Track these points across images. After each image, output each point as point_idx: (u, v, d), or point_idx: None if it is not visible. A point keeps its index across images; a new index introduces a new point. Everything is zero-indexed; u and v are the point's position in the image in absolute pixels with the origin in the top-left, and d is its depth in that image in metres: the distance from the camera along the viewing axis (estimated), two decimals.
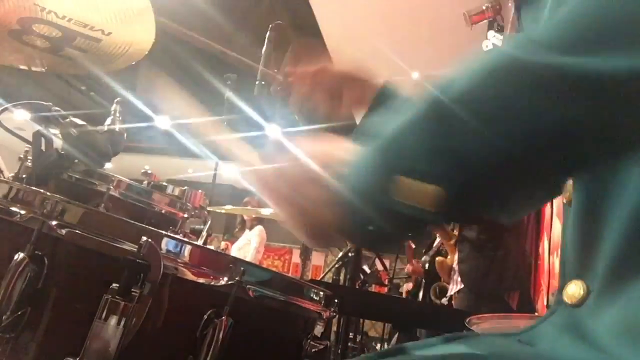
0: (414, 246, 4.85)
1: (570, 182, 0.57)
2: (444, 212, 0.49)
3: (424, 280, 4.15)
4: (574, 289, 0.52)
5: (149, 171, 1.29)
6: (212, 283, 0.80)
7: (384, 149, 0.52)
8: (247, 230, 5.62)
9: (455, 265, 3.06)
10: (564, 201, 0.59)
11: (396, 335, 4.68)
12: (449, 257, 3.22)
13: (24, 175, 1.11)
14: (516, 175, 0.49)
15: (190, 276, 0.78)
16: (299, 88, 0.97)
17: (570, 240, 0.56)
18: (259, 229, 5.52)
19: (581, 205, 0.55)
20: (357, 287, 3.21)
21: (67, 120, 1.14)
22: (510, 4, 4.53)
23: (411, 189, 0.49)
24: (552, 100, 0.45)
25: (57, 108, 1.15)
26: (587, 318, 0.50)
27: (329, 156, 0.58)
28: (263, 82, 1.96)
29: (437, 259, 3.32)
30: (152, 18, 1.38)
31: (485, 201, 0.52)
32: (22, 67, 1.47)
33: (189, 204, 1.27)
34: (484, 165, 0.48)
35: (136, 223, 0.80)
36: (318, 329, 0.99)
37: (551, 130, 0.46)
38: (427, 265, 4.21)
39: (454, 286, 3.08)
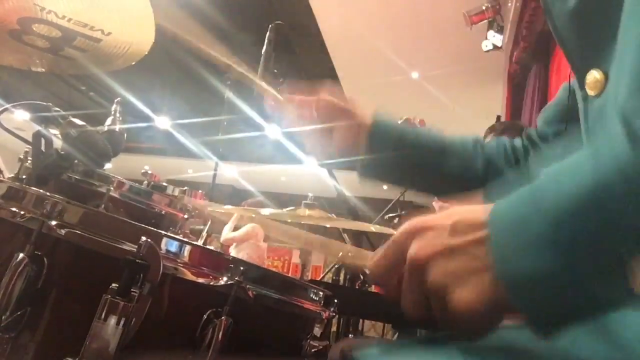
0: None
1: None
2: None
3: None
4: None
5: (149, 171, 1.29)
6: (212, 283, 0.80)
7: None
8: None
9: None
10: None
11: (396, 336, 4.67)
12: None
13: (23, 176, 1.11)
14: None
15: (189, 276, 0.78)
16: (290, 111, 0.98)
17: None
18: (250, 225, 5.54)
19: None
20: (357, 287, 3.21)
21: (67, 120, 1.14)
22: (510, 4, 4.53)
23: None
24: None
25: (56, 108, 1.15)
26: (608, 315, 0.48)
27: None
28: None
29: None
30: (151, 18, 1.38)
31: None
32: (21, 67, 1.47)
33: (188, 205, 1.27)
34: None
35: (136, 223, 0.80)
36: (318, 329, 0.99)
37: None
38: None
39: None
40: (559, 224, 0.42)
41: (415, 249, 0.50)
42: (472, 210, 0.49)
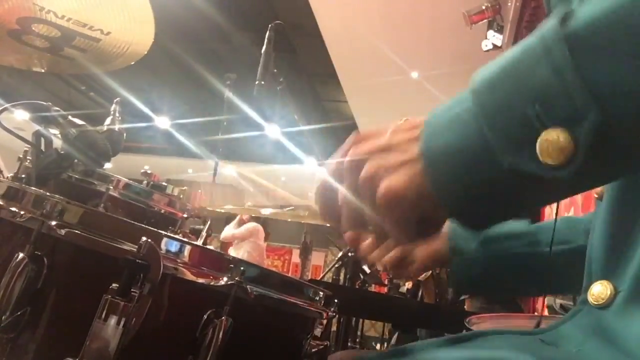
0: None
1: None
2: (573, 169, 0.39)
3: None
4: (600, 290, 0.50)
5: (149, 171, 1.29)
6: (212, 283, 0.79)
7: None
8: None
9: None
10: (595, 195, 0.55)
11: (396, 335, 4.68)
12: None
13: (23, 175, 1.11)
14: None
15: (190, 276, 0.78)
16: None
17: (599, 238, 0.53)
18: (252, 224, 5.55)
19: (615, 200, 0.52)
20: (357, 287, 3.21)
21: (67, 120, 1.14)
22: (509, 4, 4.53)
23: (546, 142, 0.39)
24: None
25: (56, 108, 1.15)
26: (614, 321, 0.48)
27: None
28: (262, 82, 1.96)
29: None
30: (151, 18, 1.38)
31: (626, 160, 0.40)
32: (21, 67, 1.47)
33: (188, 204, 1.27)
34: None
35: (136, 223, 0.79)
36: (318, 329, 0.99)
37: None
38: None
39: None
40: (480, 92, 0.43)
41: (352, 150, 0.50)
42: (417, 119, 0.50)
